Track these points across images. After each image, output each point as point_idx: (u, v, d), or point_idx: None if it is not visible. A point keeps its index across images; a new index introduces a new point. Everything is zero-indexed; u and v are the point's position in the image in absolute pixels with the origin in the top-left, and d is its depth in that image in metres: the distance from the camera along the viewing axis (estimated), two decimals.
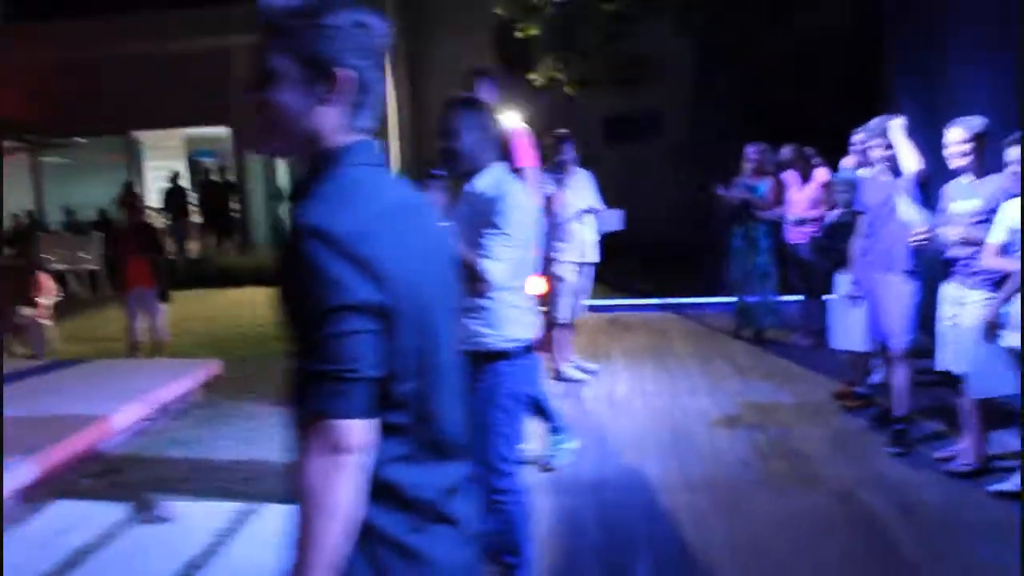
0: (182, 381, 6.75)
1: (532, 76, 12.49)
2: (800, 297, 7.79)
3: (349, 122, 1.53)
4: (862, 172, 5.61)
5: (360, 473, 1.40)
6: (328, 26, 1.48)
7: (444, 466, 1.56)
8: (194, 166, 19.11)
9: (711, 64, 11.23)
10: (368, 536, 1.45)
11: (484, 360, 3.11)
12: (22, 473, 4.90)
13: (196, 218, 16.23)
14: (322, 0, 1.50)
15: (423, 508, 1.51)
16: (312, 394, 1.37)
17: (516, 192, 3.08)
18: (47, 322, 8.63)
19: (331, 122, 1.51)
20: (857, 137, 5.79)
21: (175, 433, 5.90)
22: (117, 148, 17.06)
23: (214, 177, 16.46)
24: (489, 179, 3.12)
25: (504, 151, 3.56)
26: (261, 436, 5.74)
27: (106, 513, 4.59)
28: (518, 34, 11.87)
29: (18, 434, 5.48)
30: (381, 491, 1.45)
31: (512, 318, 3.14)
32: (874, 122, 5.13)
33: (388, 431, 1.45)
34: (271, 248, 15.03)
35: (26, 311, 8.34)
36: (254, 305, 11.68)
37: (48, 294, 8.58)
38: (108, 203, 16.20)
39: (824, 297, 7.50)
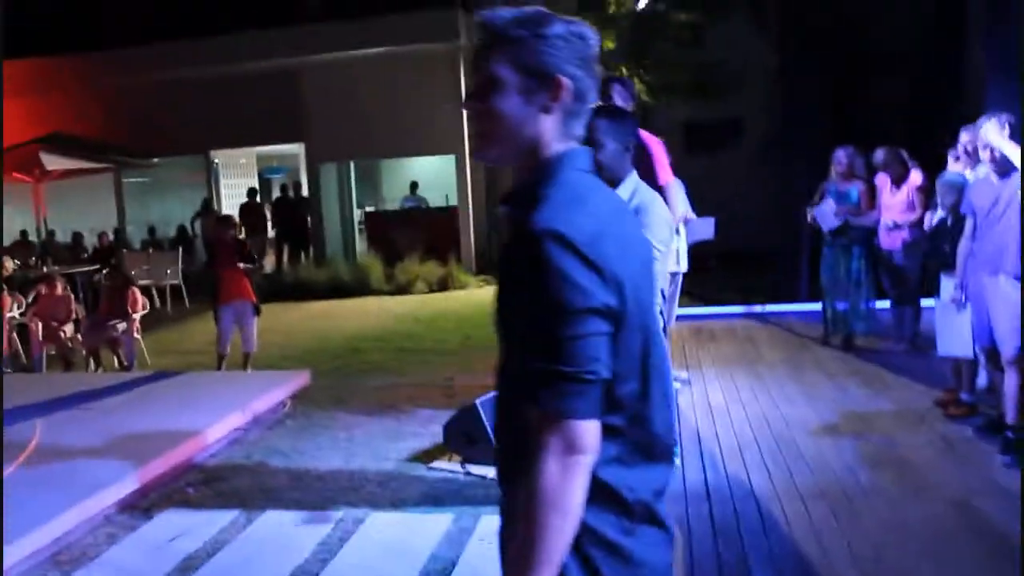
0: (275, 392, 6.85)
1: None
2: (890, 302, 7.61)
3: (565, 130, 1.57)
4: (969, 174, 5.47)
5: (588, 474, 1.42)
6: (551, 36, 1.52)
7: (654, 468, 1.56)
8: (264, 183, 19.48)
9: (791, 67, 11.08)
10: (582, 537, 1.45)
11: None
12: (131, 482, 5.02)
13: (270, 233, 16.51)
14: (542, 12, 1.55)
15: (635, 510, 1.51)
16: (550, 394, 1.40)
17: (657, 203, 3.06)
18: (137, 335, 8.84)
19: (550, 130, 1.55)
20: (963, 138, 5.65)
21: (273, 443, 5.97)
22: (193, 167, 17.46)
23: (287, 193, 16.73)
24: (628, 189, 3.13)
25: (643, 162, 3.52)
26: (358, 446, 5.78)
27: (215, 520, 4.66)
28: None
29: (125, 444, 5.64)
30: (597, 492, 1.46)
31: None
32: (981, 122, 4.99)
33: (605, 432, 1.46)
34: (343, 262, 15.21)
35: (120, 325, 8.55)
36: (331, 318, 11.85)
37: (140, 308, 8.80)
38: (188, 220, 16.61)
39: (919, 302, 7.39)
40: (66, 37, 16.04)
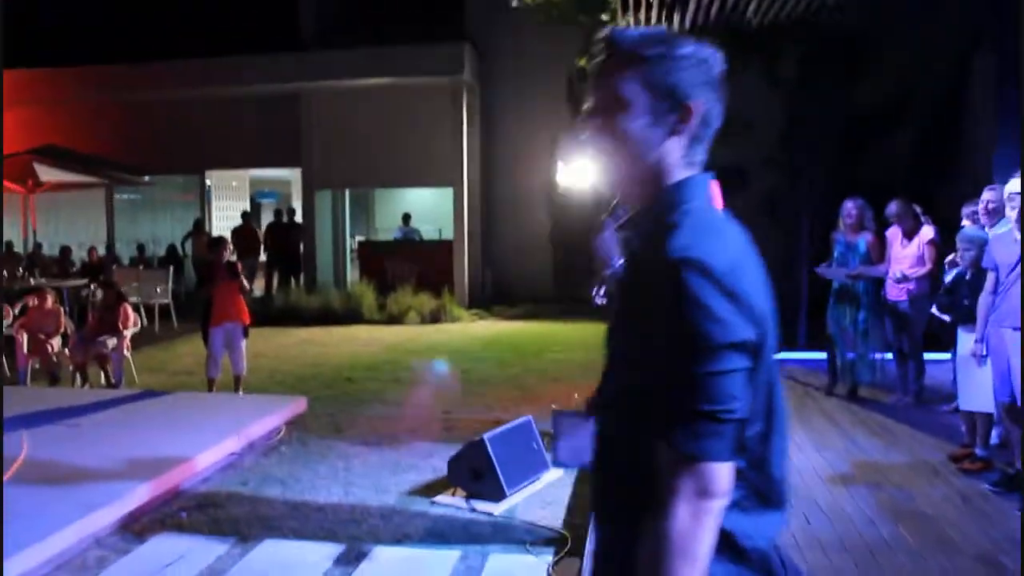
0: (270, 417, 6.67)
1: None
2: (894, 354, 7.56)
3: (689, 155, 1.49)
4: (992, 230, 5.45)
5: (718, 520, 1.32)
6: (682, 57, 1.45)
7: (771, 514, 1.45)
8: (255, 207, 19.33)
9: (800, 117, 11.12)
10: None
11: None
12: (123, 503, 4.83)
13: (262, 257, 16.33)
14: (670, 32, 1.49)
15: (752, 558, 1.41)
16: (686, 434, 1.30)
17: None
18: (127, 353, 8.64)
19: (675, 154, 1.48)
20: (987, 196, 5.67)
21: (269, 470, 5.78)
22: (185, 187, 17.30)
23: (280, 217, 16.59)
24: None
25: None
26: (357, 477, 5.61)
27: (210, 548, 4.47)
28: None
29: (116, 463, 5.45)
30: (718, 540, 1.35)
31: None
32: (1011, 183, 4.99)
33: None
34: (335, 289, 15.04)
35: (111, 341, 8.35)
36: (322, 344, 11.66)
37: (132, 325, 8.61)
38: (179, 239, 16.41)
39: (922, 356, 7.33)
40: (66, 50, 15.90)
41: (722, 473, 1.31)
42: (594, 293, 3.08)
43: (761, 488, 1.42)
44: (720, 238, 1.38)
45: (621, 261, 2.97)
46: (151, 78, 15.57)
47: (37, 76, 15.75)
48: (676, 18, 10.05)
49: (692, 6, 9.68)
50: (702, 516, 1.29)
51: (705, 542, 1.30)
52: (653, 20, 10.36)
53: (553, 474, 5.55)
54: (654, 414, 1.33)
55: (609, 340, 1.51)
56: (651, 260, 1.37)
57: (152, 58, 15.41)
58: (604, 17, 10.97)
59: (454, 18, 15.39)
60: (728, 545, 1.37)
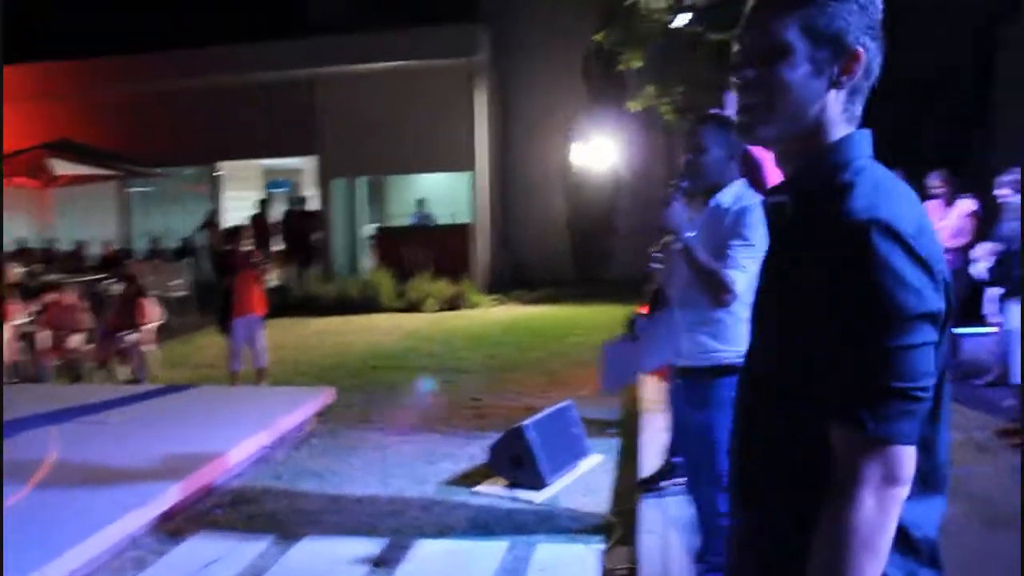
0: (299, 409, 6.55)
1: (631, 105, 12.21)
2: None
3: (850, 109, 1.34)
4: None
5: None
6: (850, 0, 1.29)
7: (934, 499, 1.33)
8: (268, 197, 19.16)
9: None
10: None
11: (712, 375, 3.03)
12: (157, 503, 4.71)
13: (278, 247, 16.21)
14: None
15: (921, 549, 1.29)
16: (877, 415, 1.17)
17: (760, 206, 2.91)
18: (152, 347, 8.54)
19: (837, 107, 1.33)
20: None
21: (303, 463, 5.67)
22: (198, 178, 17.18)
23: (294, 206, 16.46)
24: (733, 193, 3.09)
25: (752, 171, 3.42)
26: (393, 467, 5.49)
27: (249, 546, 4.36)
28: (620, 66, 11.62)
29: (147, 461, 5.33)
30: None
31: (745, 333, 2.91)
32: None
33: None
34: (352, 277, 14.92)
35: (130, 336, 8.25)
36: (342, 333, 11.56)
37: (152, 319, 8.50)
38: (194, 231, 16.29)
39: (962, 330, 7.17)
40: (75, 43, 15.74)
41: (909, 457, 1.20)
42: (653, 262, 3.05)
43: (926, 471, 1.29)
44: (901, 199, 1.25)
45: (691, 232, 2.87)
46: (160, 69, 15.44)
47: (48, 70, 15.65)
48: None
49: None
50: (888, 505, 1.18)
51: (889, 534, 1.19)
52: None
53: (594, 459, 5.42)
54: (832, 393, 1.21)
55: (760, 312, 1.40)
56: (826, 223, 1.23)
57: (160, 48, 15.26)
58: None
59: None
60: (898, 536, 1.24)
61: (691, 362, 3.12)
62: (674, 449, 4.58)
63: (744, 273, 2.85)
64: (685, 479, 3.65)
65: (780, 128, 1.33)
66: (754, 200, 3.01)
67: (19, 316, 8.40)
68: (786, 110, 1.31)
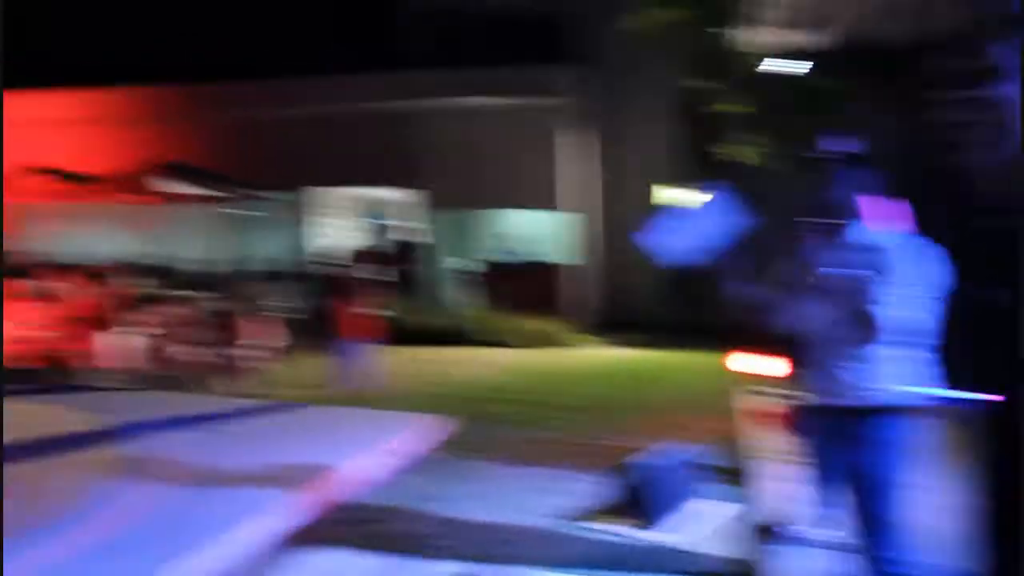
0: (418, 435, 6.67)
1: (727, 151, 12.09)
2: None
3: None
4: None
5: None
6: None
7: None
8: (371, 226, 19.51)
9: (916, 154, 10.57)
10: None
11: (874, 413, 3.08)
12: (286, 515, 4.87)
13: (382, 277, 16.49)
14: None
15: None
16: None
17: (901, 246, 3.07)
18: (270, 364, 8.79)
19: None
20: None
21: (421, 487, 5.77)
22: (295, 204, 17.58)
23: (398, 238, 16.79)
24: (866, 230, 3.11)
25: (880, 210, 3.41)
26: (509, 498, 5.55)
27: (369, 564, 4.48)
28: (715, 108, 11.52)
29: (269, 475, 5.52)
30: None
31: (896, 372, 3.06)
32: None
33: None
34: (452, 310, 15.09)
35: (232, 352, 8.54)
36: (445, 364, 11.70)
37: (266, 338, 8.78)
38: (293, 255, 16.69)
39: None
40: (181, 68, 16.41)
41: None
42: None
43: None
44: None
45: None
46: (263, 96, 15.99)
47: (153, 95, 16.39)
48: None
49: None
50: None
51: None
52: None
53: (708, 503, 5.37)
54: None
55: None
56: None
57: (263, 76, 15.84)
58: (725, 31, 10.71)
59: (569, 38, 15.40)
60: None
61: (850, 401, 3.10)
62: (819, 497, 4.48)
63: (889, 310, 2.91)
64: (820, 530, 3.60)
65: (1009, 143, 1.36)
66: (894, 239, 3.05)
67: (146, 327, 8.80)
68: (1012, 124, 1.34)
